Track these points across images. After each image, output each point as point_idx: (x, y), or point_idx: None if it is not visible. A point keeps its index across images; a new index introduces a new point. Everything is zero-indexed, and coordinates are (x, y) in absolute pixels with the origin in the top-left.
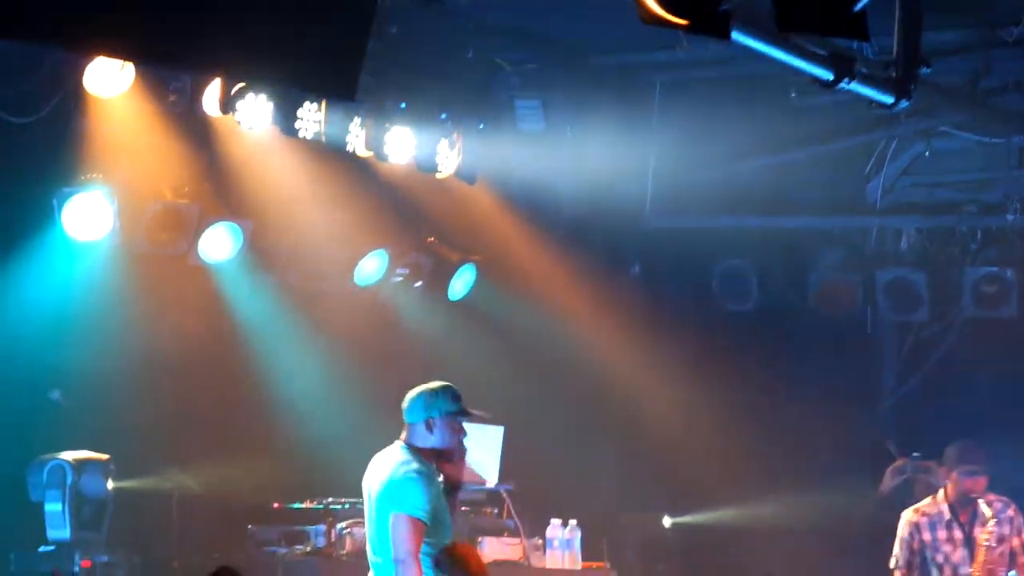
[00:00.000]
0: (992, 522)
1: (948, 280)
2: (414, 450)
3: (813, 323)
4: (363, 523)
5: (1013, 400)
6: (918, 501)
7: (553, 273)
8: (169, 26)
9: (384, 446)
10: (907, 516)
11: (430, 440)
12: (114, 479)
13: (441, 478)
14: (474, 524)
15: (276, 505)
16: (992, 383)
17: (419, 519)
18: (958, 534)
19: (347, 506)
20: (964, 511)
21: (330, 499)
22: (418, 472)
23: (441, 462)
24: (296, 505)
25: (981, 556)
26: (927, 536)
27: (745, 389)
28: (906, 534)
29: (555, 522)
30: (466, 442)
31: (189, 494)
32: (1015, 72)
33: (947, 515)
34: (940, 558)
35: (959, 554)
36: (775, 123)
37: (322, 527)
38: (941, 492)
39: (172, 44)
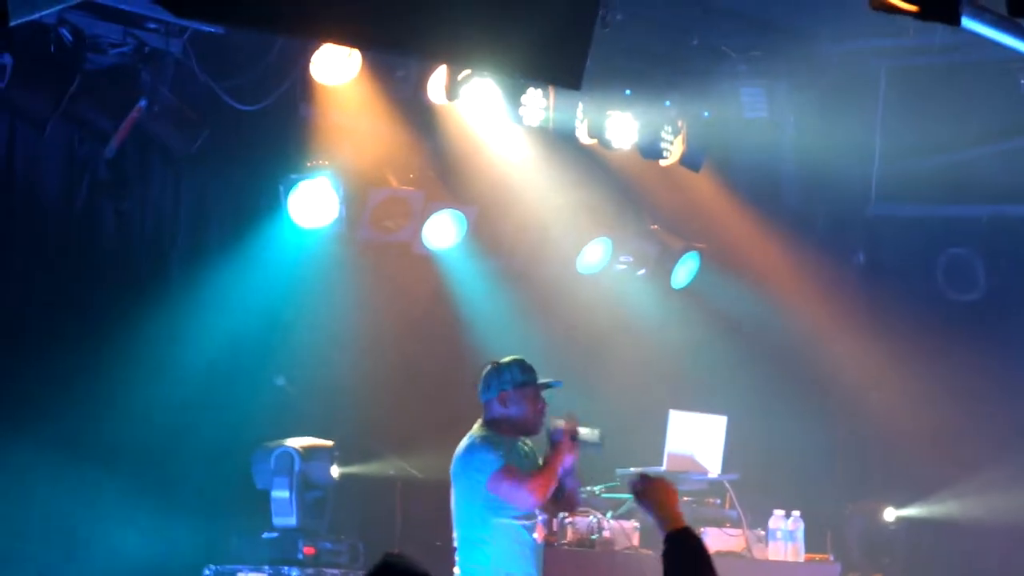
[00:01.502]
0: None
1: None
2: (490, 424)
3: None
4: (585, 512)
5: None
6: None
7: (777, 261)
8: (396, 13)
9: (602, 435)
10: None
11: (506, 413)
12: (338, 465)
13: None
14: (697, 514)
15: None
16: None
17: (505, 465)
18: None
19: None
20: None
21: None
22: (481, 438)
23: (522, 434)
24: None
25: None
26: None
27: (971, 380)
28: None
29: (778, 513)
30: (560, 422)
31: (412, 481)
32: None
33: None
34: None
35: None
36: (1003, 110)
37: (544, 517)
38: None
39: (399, 31)
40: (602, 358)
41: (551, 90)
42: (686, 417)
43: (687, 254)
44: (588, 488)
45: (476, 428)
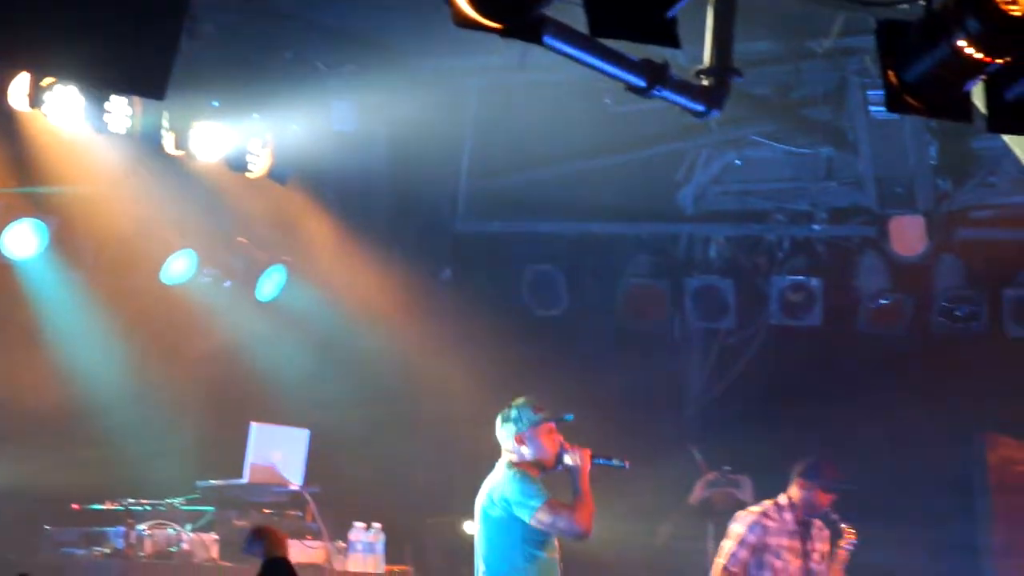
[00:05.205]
0: (850, 536)
1: (755, 288)
2: (517, 466)
3: (621, 329)
4: (163, 525)
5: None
6: (720, 513)
7: (365, 275)
8: None
9: (190, 447)
10: (749, 518)
11: (527, 453)
12: None
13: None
14: (277, 526)
15: (75, 506)
16: (796, 391)
17: (550, 499)
18: (798, 545)
19: (148, 508)
20: (805, 524)
21: (130, 500)
22: (523, 472)
23: (541, 471)
24: (96, 506)
25: (839, 567)
26: (772, 541)
27: (552, 395)
28: (749, 535)
29: (358, 525)
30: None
31: None
32: (824, 83)
33: (792, 525)
34: (779, 564)
35: (797, 564)
36: (589, 128)
37: (122, 529)
38: (785, 499)
39: None
40: (187, 370)
41: (136, 99)
42: (268, 430)
43: (273, 267)
44: (168, 500)
45: (508, 468)
